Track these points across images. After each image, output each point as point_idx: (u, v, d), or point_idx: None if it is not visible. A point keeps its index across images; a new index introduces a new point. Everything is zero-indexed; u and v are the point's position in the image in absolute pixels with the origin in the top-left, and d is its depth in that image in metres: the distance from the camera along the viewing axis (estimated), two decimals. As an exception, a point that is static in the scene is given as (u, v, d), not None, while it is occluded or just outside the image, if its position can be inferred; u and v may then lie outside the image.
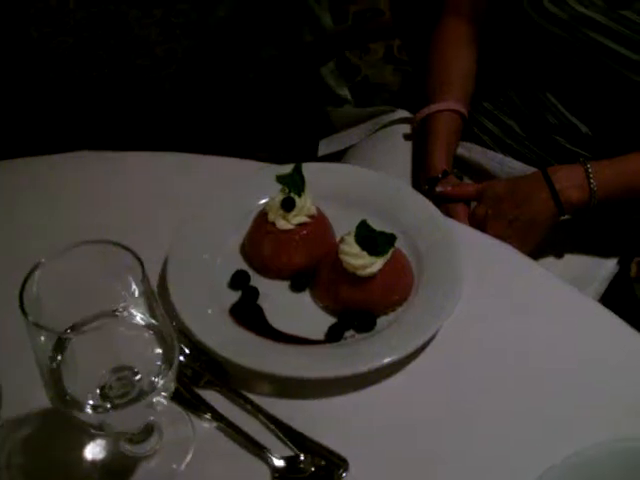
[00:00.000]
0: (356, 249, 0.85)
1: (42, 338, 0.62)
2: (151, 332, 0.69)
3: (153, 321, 0.68)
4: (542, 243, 1.16)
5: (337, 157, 1.40)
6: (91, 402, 0.66)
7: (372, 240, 0.85)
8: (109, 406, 0.67)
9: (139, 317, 0.67)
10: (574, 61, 1.16)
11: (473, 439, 0.80)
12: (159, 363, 0.69)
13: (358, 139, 1.39)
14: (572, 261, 1.23)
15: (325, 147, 1.44)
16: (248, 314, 0.89)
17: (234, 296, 0.91)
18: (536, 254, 1.15)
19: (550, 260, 1.22)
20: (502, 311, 0.91)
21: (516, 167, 1.24)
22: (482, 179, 1.26)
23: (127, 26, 2.92)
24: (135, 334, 0.69)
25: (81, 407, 0.66)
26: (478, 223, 1.14)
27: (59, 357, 0.65)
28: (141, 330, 0.68)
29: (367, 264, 0.85)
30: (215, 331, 0.85)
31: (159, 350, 0.69)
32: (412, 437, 0.80)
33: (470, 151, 1.31)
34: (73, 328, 0.66)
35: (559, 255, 1.22)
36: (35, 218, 1.04)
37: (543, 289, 0.95)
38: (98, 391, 0.68)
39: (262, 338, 0.86)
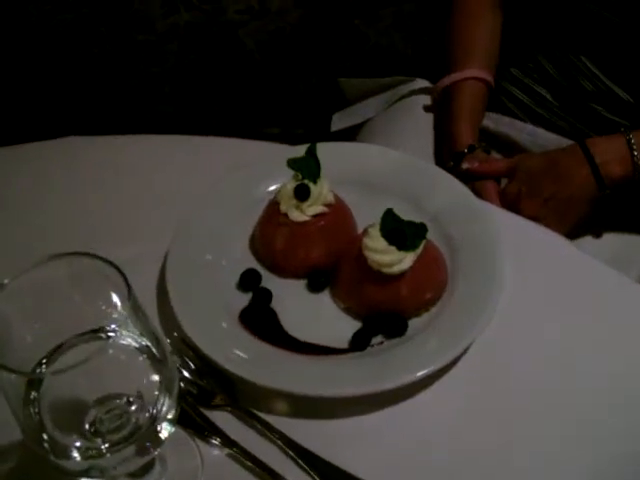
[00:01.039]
0: (382, 244, 0.73)
1: (12, 376, 0.50)
2: (144, 353, 0.57)
3: (144, 340, 0.56)
4: (579, 222, 1.04)
5: (352, 133, 1.27)
6: (78, 444, 0.55)
7: (400, 233, 0.73)
8: (103, 448, 0.55)
9: (128, 337, 0.55)
10: (612, 20, 1.03)
11: (527, 462, 0.68)
12: (157, 389, 0.57)
13: (374, 112, 1.27)
14: (611, 241, 1.11)
15: (339, 121, 1.32)
16: (260, 320, 0.77)
17: (244, 299, 0.79)
18: (571, 234, 1.04)
19: (587, 240, 1.09)
20: (542, 302, 0.80)
21: (550, 139, 1.12)
22: (512, 153, 1.14)
23: (127, 0, 2.78)
24: (124, 357, 0.57)
25: (66, 451, 0.54)
26: (510, 202, 1.03)
27: (34, 393, 0.53)
28: (131, 352, 0.57)
29: (395, 261, 0.73)
30: (222, 342, 0.73)
31: (155, 373, 0.58)
32: (451, 461, 0.68)
33: (497, 123, 1.18)
34: (50, 358, 0.55)
35: (597, 234, 1.10)
36: (21, 212, 0.93)
37: (585, 275, 0.84)
38: (87, 426, 0.56)
39: (276, 348, 0.74)
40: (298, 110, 2.22)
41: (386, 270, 0.73)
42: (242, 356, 0.72)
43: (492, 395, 0.72)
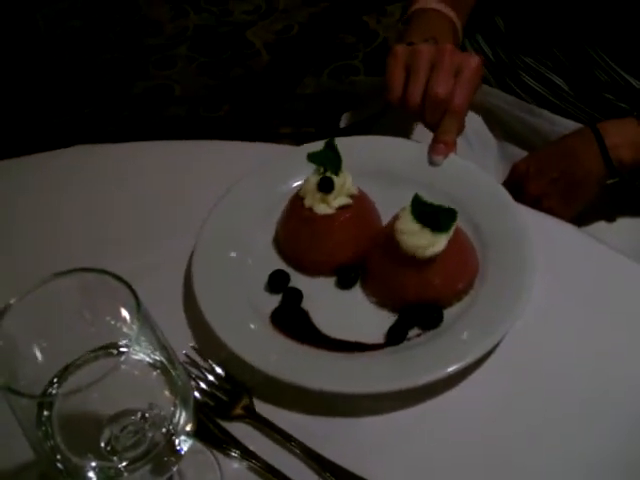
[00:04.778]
0: (415, 226, 0.68)
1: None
2: (157, 368, 0.52)
3: (157, 354, 0.51)
4: (590, 208, 0.99)
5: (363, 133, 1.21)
6: (93, 464, 0.49)
7: (433, 214, 0.68)
8: (120, 467, 0.50)
9: (140, 352, 0.50)
10: (624, 7, 0.95)
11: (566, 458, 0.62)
12: (172, 403, 0.52)
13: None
14: (626, 229, 1.03)
15: (347, 120, 1.25)
16: (292, 320, 0.71)
17: (273, 301, 0.73)
18: (585, 221, 0.99)
19: (608, 232, 1.01)
20: (567, 294, 0.74)
21: (569, 127, 1.04)
22: (527, 143, 1.08)
23: (135, 4, 2.73)
24: (137, 372, 0.52)
25: (81, 472, 0.49)
26: (517, 179, 0.98)
27: (46, 413, 0.47)
28: (144, 367, 0.52)
29: (429, 243, 0.68)
30: (256, 345, 0.68)
31: (169, 387, 0.53)
32: (488, 459, 0.62)
33: (513, 107, 1.10)
34: (61, 377, 0.50)
35: (610, 220, 1.03)
36: (29, 229, 0.87)
37: (607, 268, 0.77)
38: (103, 445, 0.51)
39: (311, 348, 0.69)
40: (309, 109, 2.17)
41: (420, 253, 0.68)
42: (278, 358, 0.67)
43: (527, 387, 0.67)
